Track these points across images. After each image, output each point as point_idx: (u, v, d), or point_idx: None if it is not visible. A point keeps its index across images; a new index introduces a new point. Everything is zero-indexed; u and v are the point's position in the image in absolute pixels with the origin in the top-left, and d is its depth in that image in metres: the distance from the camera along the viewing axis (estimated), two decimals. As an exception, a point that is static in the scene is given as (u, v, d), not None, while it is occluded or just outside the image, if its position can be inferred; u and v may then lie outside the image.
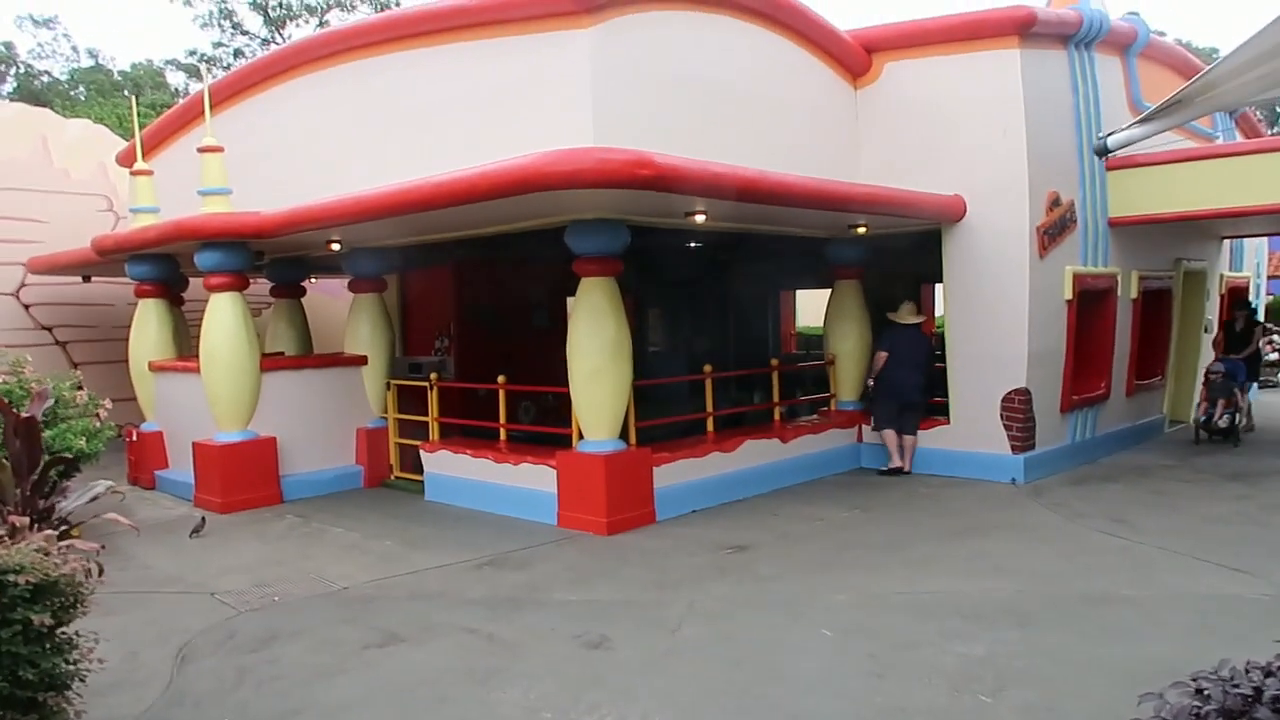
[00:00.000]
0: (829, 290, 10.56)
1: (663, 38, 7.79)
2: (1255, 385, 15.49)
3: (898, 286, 11.29)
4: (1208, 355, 12.81)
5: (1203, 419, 10.80)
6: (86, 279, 13.16)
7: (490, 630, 5.24)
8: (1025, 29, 8.73)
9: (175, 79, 36.31)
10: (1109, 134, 6.33)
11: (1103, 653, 4.63)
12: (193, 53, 34.97)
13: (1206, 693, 2.46)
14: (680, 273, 12.56)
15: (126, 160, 12.06)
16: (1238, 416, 10.70)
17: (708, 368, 8.91)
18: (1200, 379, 11.46)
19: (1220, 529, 7.01)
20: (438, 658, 4.87)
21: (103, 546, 4.35)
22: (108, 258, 10.27)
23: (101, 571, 4.02)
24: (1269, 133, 19.57)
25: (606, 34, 7.34)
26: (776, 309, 16.02)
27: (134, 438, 10.08)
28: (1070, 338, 9.38)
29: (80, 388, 8.39)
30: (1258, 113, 16.43)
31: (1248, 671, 2.51)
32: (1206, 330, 12.58)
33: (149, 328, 10.10)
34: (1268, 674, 2.48)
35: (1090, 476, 9.14)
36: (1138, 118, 6.06)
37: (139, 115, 11.21)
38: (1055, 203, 9.09)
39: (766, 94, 8.70)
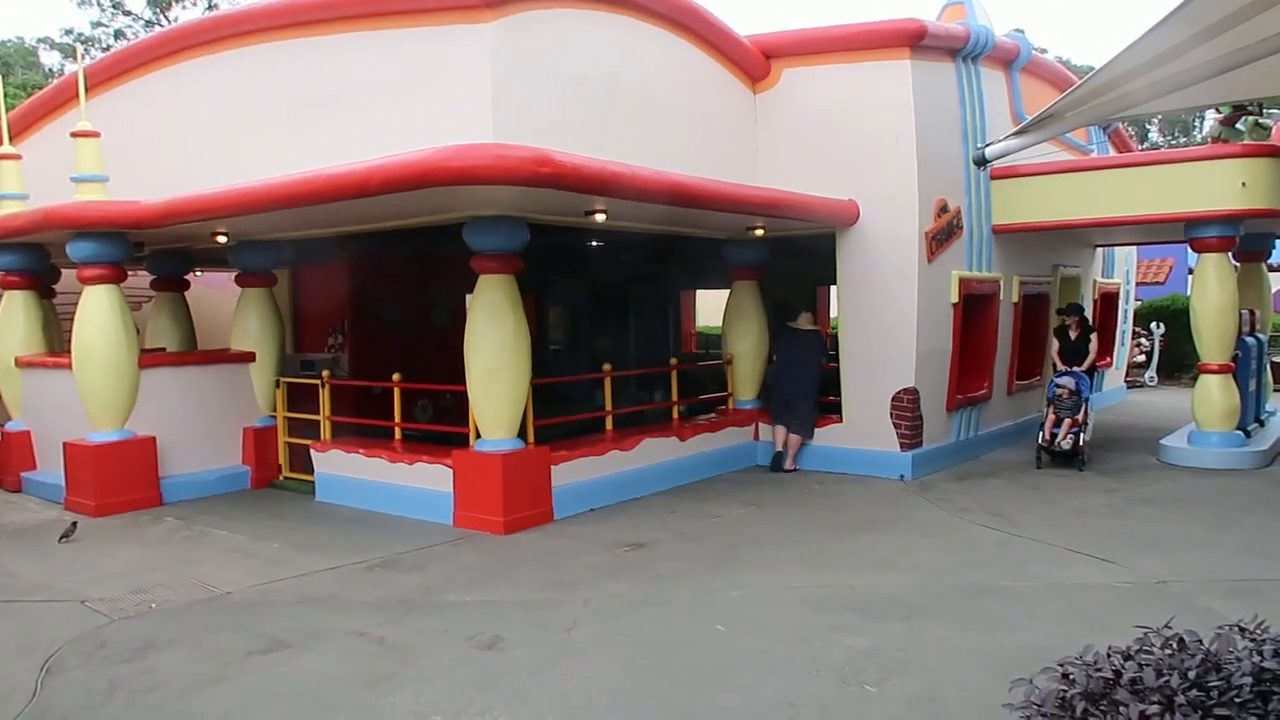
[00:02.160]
0: (728, 291, 10.71)
1: (564, 36, 7.76)
2: (1126, 389, 16.46)
3: (795, 288, 11.54)
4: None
5: (1045, 441, 9.65)
6: (-54, 268, 12.30)
7: (381, 634, 5.12)
8: (916, 41, 9.04)
9: (49, 59, 34.38)
10: (987, 145, 6.62)
11: (982, 642, 4.82)
12: (69, 32, 33.13)
13: (1072, 677, 2.60)
14: (581, 272, 12.56)
15: (-8, 143, 11.31)
16: (1082, 436, 9.56)
17: (607, 366, 8.92)
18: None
19: (1090, 521, 7.39)
20: (325, 663, 4.73)
21: (-42, 554, 4.07)
22: (-31, 246, 9.63)
23: (-45, 580, 3.76)
24: (1139, 148, 20.77)
25: (508, 29, 7.26)
26: (677, 309, 16.17)
27: (-2, 437, 9.48)
28: (956, 339, 9.76)
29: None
30: (1128, 128, 17.42)
31: (1109, 656, 2.66)
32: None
33: (16, 321, 9.49)
34: (1126, 658, 2.63)
35: (973, 473, 9.52)
36: (1014, 130, 6.38)
37: (7, 96, 10.53)
38: (943, 209, 9.44)
39: (667, 95, 8.76)
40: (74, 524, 7.44)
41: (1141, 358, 17.90)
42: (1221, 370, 9.73)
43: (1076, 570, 6.08)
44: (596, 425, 8.96)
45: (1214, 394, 9.70)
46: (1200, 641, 2.65)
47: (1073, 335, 10.33)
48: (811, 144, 9.56)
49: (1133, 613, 5.08)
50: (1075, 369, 9.99)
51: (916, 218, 9.10)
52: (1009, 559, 6.40)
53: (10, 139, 9.96)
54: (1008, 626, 5.05)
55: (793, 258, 10.45)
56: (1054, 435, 9.62)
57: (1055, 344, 10.49)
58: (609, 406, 8.91)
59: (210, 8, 30.94)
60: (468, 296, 7.90)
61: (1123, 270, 15.68)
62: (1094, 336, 10.34)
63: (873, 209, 9.27)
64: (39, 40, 35.10)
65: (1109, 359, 15.01)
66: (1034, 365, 11.96)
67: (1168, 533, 7.06)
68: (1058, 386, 9.83)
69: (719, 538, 7.14)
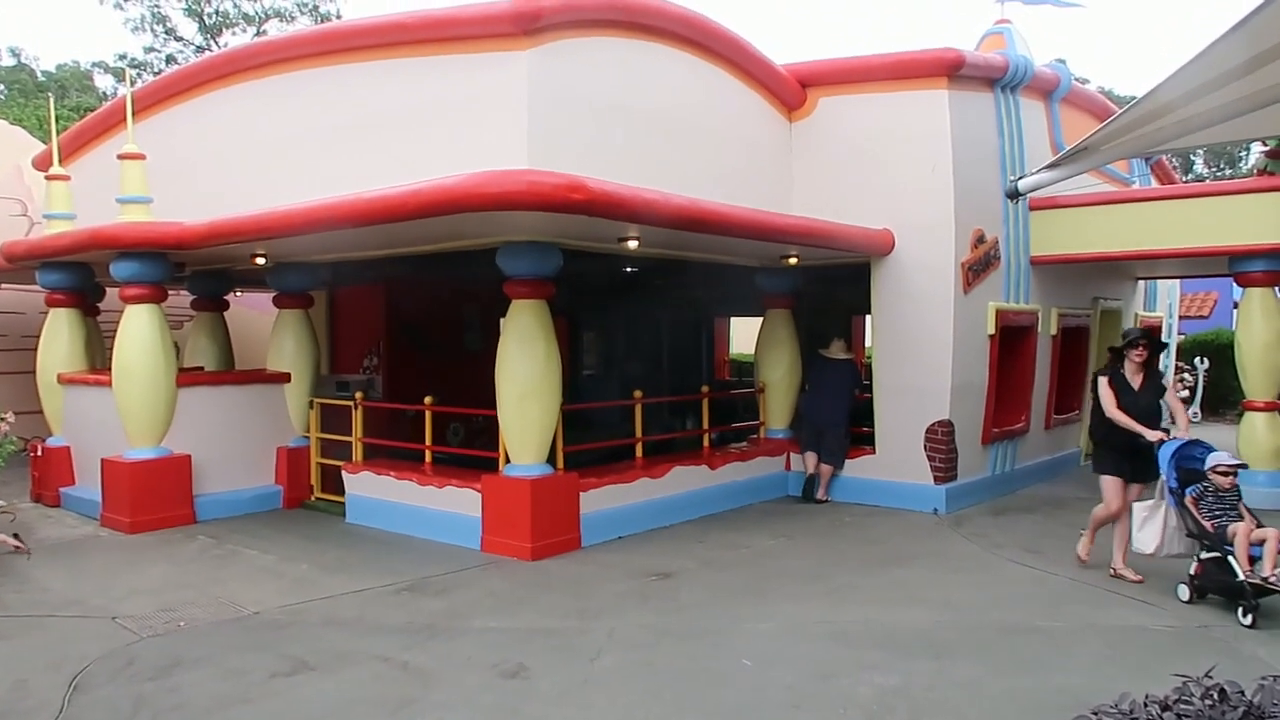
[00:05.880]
0: (762, 318, 10.65)
1: (601, 64, 7.82)
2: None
3: (829, 317, 11.45)
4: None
5: (1254, 576, 5.49)
6: (-4, 285, 12.65)
7: (405, 658, 5.10)
8: (954, 71, 8.99)
9: (103, 82, 35.27)
10: (1019, 177, 6.49)
11: (1013, 683, 4.69)
12: (123, 56, 34.01)
13: (1107, 726, 2.51)
14: (614, 297, 12.58)
15: (43, 164, 11.63)
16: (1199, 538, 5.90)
17: (638, 393, 8.90)
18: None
19: (1131, 561, 7.18)
20: (348, 687, 4.71)
21: (-8, 568, 4.12)
22: (18, 264, 9.88)
23: (-13, 595, 3.81)
24: (1183, 180, 20.48)
25: (544, 57, 7.33)
26: (710, 336, 16.13)
27: (39, 453, 9.64)
28: (992, 372, 9.61)
29: (-18, 399, 8.02)
30: (1172, 160, 17.17)
31: (1146, 705, 2.56)
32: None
33: (60, 338, 9.71)
34: (1164, 708, 2.54)
35: (1009, 508, 9.33)
36: (1046, 163, 6.27)
37: (61, 118, 10.85)
38: (980, 240, 9.33)
39: (702, 123, 8.77)
40: (15, 535, 7.22)
41: (1185, 393, 17.55)
42: (1268, 407, 9.47)
43: (1115, 611, 5.91)
44: (627, 452, 8.93)
45: (1260, 432, 9.45)
46: (1242, 693, 2.55)
47: (1135, 382, 6.54)
48: (847, 173, 9.52)
49: (1173, 657, 4.93)
50: (1177, 436, 6.16)
51: (953, 248, 9.00)
52: (1045, 597, 6.25)
53: (61, 160, 10.23)
54: (1042, 668, 4.92)
55: (827, 286, 10.39)
56: (1254, 558, 5.54)
57: (1109, 395, 6.45)
58: (639, 433, 8.88)
59: (259, 34, 31.67)
60: (501, 321, 7.93)
61: (1165, 303, 15.39)
62: (1171, 385, 6.57)
63: (908, 239, 9.19)
64: (93, 64, 36.04)
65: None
66: (1073, 399, 11.74)
67: (1211, 574, 6.85)
68: (1218, 471, 5.78)
69: (747, 569, 7.06)
